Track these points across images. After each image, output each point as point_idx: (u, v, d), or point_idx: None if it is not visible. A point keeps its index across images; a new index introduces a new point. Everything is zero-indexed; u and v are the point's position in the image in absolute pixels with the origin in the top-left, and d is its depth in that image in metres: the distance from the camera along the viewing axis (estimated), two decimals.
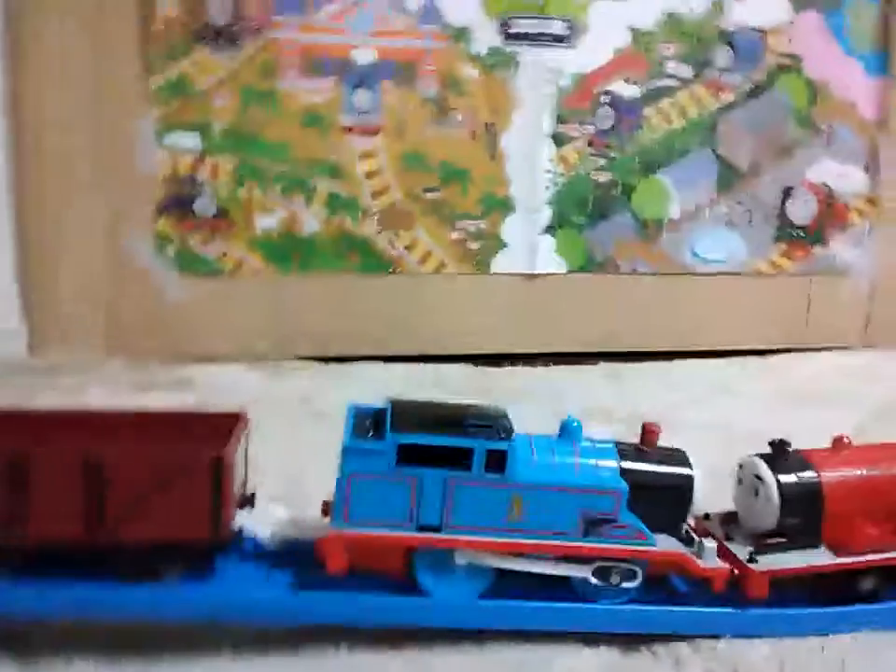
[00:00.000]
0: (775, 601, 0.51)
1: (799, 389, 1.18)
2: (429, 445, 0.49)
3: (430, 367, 1.29)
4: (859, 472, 0.54)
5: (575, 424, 0.53)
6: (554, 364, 1.34)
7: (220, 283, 1.33)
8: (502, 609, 0.50)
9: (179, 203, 1.29)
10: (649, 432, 0.53)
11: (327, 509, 0.52)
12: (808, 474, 0.53)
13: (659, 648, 0.50)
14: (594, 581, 0.50)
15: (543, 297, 1.42)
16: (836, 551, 0.52)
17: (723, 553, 0.52)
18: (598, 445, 0.53)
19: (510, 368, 1.31)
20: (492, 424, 0.50)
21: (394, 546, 0.49)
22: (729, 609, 0.51)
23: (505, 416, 0.51)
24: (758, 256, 1.42)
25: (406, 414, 0.51)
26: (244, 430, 0.55)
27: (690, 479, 0.52)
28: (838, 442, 0.56)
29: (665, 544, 0.51)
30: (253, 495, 0.56)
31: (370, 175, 1.32)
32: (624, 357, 1.39)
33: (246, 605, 0.49)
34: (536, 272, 1.38)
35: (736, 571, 0.51)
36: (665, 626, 0.51)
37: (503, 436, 0.49)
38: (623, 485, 0.50)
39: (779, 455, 0.54)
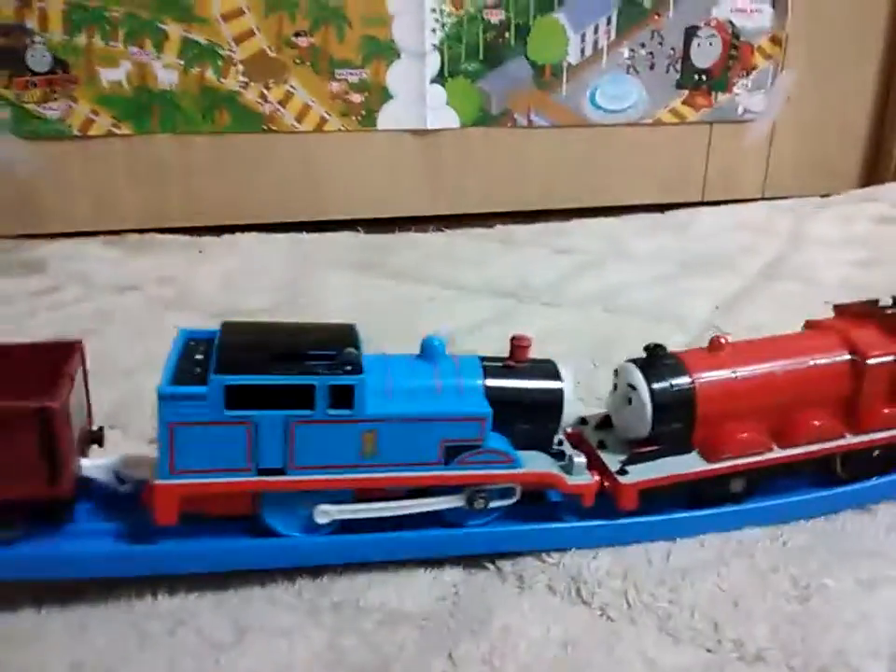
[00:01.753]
0: (649, 508, 0.50)
1: (694, 250, 1.15)
2: (263, 386, 0.42)
3: (313, 236, 1.20)
4: (732, 375, 0.51)
5: (437, 342, 0.48)
6: (447, 228, 1.27)
7: (70, 147, 1.17)
8: (355, 543, 0.46)
9: (7, 56, 1.10)
10: (518, 346, 0.49)
11: None
12: (682, 380, 0.50)
13: (504, 564, 0.48)
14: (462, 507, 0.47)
15: (435, 154, 1.31)
16: (708, 455, 0.51)
17: (595, 463, 0.50)
18: (462, 363, 0.48)
19: (400, 234, 1.23)
20: (335, 354, 0.43)
21: (233, 492, 0.44)
22: (589, 523, 0.49)
23: (351, 341, 0.44)
24: (659, 104, 1.33)
25: (236, 346, 0.44)
26: (79, 364, 0.47)
27: (559, 393, 0.48)
28: (714, 343, 0.53)
29: (534, 462, 0.48)
30: (101, 430, 0.50)
31: (227, 16, 1.14)
32: (521, 216, 1.33)
33: (88, 559, 0.44)
34: (427, 126, 1.27)
35: (607, 484, 0.49)
36: (524, 544, 0.48)
37: (349, 369, 0.43)
38: (487, 410, 0.45)
39: (654, 360, 0.51)
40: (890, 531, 0.52)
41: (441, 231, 1.26)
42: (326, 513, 0.45)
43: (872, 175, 1.53)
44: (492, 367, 0.48)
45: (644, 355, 0.52)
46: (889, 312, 0.55)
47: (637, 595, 0.46)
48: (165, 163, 1.21)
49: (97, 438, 0.50)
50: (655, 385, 0.50)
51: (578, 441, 0.52)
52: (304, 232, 1.21)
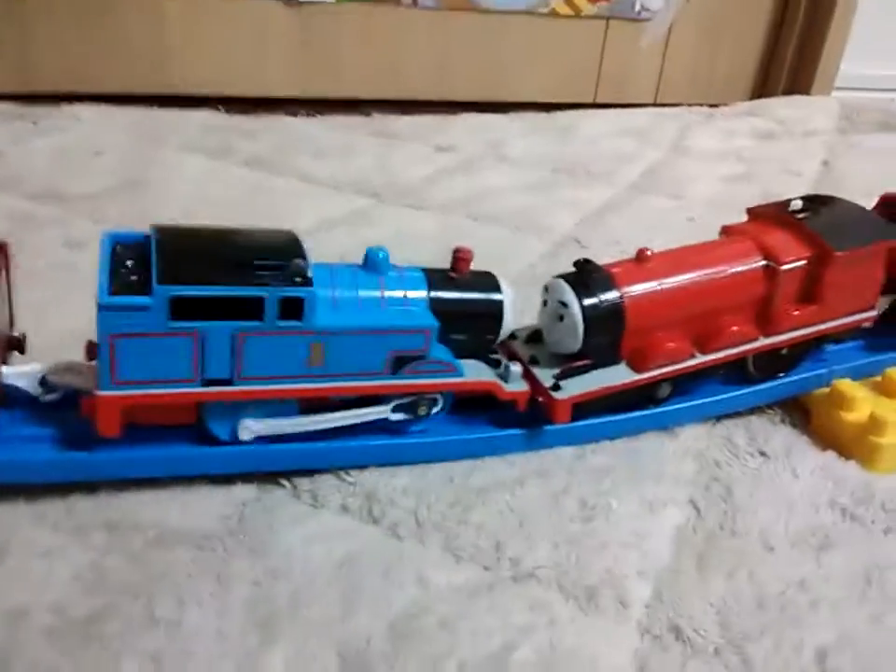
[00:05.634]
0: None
1: (571, 156, 1.13)
2: (210, 297, 0.41)
3: (166, 113, 1.09)
4: (658, 287, 0.52)
5: (381, 255, 0.48)
6: (320, 113, 1.19)
7: None
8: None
9: None
10: (460, 259, 0.50)
11: (92, 350, 0.43)
12: (611, 295, 0.51)
13: (301, 482, 0.47)
14: (396, 417, 0.48)
15: (309, 29, 1.21)
16: (637, 365, 0.53)
17: (528, 377, 0.51)
18: (406, 275, 0.49)
19: (265, 117, 1.15)
20: (285, 264, 0.42)
21: (178, 404, 0.43)
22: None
23: (298, 250, 0.44)
24: None
25: (177, 253, 0.42)
26: (1, 267, 0.44)
27: (499, 304, 0.51)
28: (640, 254, 0.54)
29: (474, 371, 0.50)
30: (21, 337, 0.48)
31: None
32: (400, 106, 1.26)
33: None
34: None
35: (541, 399, 0.51)
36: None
37: (299, 280, 0.42)
38: (433, 322, 0.47)
39: (583, 275, 0.52)
40: (686, 454, 0.54)
41: (313, 116, 1.18)
42: (248, 429, 0.45)
43: (764, 84, 1.53)
44: (435, 278, 0.49)
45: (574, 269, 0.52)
46: (800, 216, 0.57)
47: (429, 513, 0.46)
48: None
49: (17, 345, 0.48)
50: (586, 302, 0.51)
51: (510, 356, 0.54)
52: (156, 107, 1.10)
